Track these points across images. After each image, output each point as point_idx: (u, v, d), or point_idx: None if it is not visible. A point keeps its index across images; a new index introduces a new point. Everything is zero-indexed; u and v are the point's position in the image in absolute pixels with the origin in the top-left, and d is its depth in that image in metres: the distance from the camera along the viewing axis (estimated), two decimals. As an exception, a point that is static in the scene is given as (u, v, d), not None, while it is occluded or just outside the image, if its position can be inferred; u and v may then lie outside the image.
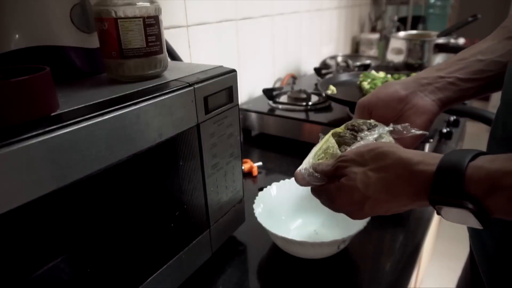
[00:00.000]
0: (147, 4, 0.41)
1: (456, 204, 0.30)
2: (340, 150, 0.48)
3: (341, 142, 0.49)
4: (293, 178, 0.66)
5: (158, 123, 0.40)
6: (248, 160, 0.86)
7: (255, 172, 0.84)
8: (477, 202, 0.29)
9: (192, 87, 0.44)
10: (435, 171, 0.32)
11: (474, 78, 0.46)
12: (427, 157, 0.34)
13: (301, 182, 0.46)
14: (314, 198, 0.65)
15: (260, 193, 0.63)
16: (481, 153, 0.32)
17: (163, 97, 0.40)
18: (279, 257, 0.58)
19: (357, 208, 0.39)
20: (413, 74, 1.02)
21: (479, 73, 0.45)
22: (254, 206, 0.59)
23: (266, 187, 0.65)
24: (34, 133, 0.29)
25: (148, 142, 0.39)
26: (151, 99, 0.39)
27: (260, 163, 0.86)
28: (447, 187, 0.31)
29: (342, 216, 0.60)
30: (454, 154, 0.32)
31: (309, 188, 0.67)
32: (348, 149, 0.43)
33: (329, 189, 0.42)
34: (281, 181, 0.67)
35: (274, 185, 0.66)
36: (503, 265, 0.43)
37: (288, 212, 0.64)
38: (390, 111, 0.49)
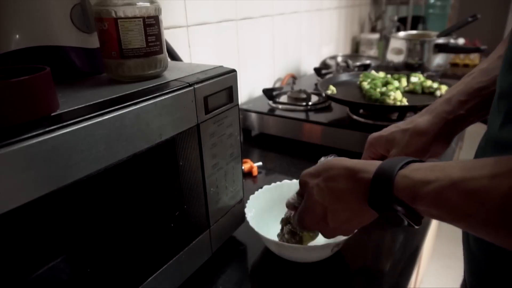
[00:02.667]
0: (147, 4, 0.41)
1: (389, 208, 0.35)
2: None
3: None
4: (285, 181, 0.68)
5: (158, 123, 0.40)
6: (248, 160, 0.86)
7: (255, 172, 0.84)
8: (405, 206, 0.34)
9: (192, 87, 0.44)
10: (371, 179, 0.36)
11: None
12: (368, 165, 0.38)
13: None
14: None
15: (251, 197, 0.63)
16: (412, 161, 0.36)
17: (163, 97, 0.40)
18: (278, 258, 0.58)
19: (322, 223, 0.42)
20: (414, 75, 1.02)
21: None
22: (246, 210, 0.59)
23: (257, 190, 0.65)
24: (34, 133, 0.29)
25: (148, 142, 0.39)
26: (151, 99, 0.39)
27: (260, 163, 0.86)
28: (380, 193, 0.35)
29: None
30: (388, 162, 0.36)
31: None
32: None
33: (299, 210, 0.45)
34: (273, 184, 0.66)
35: (266, 188, 0.66)
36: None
37: (281, 214, 0.63)
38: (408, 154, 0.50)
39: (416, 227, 0.35)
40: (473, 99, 0.47)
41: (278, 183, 0.67)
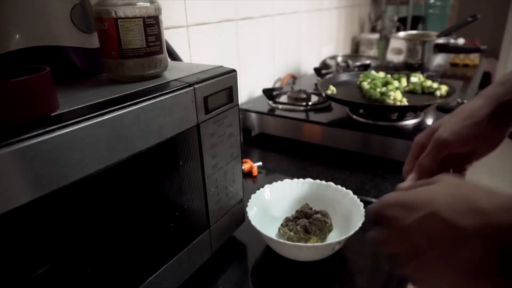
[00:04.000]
0: (147, 4, 0.41)
1: None
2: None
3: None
4: (286, 180, 0.68)
5: (158, 123, 0.40)
6: (248, 160, 0.86)
7: (255, 172, 0.84)
8: None
9: (192, 87, 0.44)
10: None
11: None
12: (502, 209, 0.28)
13: None
14: (307, 198, 0.66)
15: (253, 196, 0.63)
16: None
17: (163, 97, 0.40)
18: (278, 257, 0.58)
19: (417, 264, 0.32)
20: (414, 75, 1.02)
21: None
22: (247, 209, 0.60)
23: (258, 189, 0.65)
24: (34, 133, 0.29)
25: (148, 142, 0.39)
26: (151, 99, 0.39)
27: (260, 163, 0.86)
28: None
29: (337, 217, 0.61)
30: None
31: (304, 189, 0.68)
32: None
33: (384, 236, 0.35)
34: (274, 183, 0.67)
35: (267, 187, 0.66)
36: None
37: (282, 213, 0.64)
38: (469, 147, 0.46)
39: None
40: None
41: (279, 182, 0.67)
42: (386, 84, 0.98)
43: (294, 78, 1.33)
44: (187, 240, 0.49)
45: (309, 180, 0.68)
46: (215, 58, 0.98)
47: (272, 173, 0.85)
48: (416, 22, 1.96)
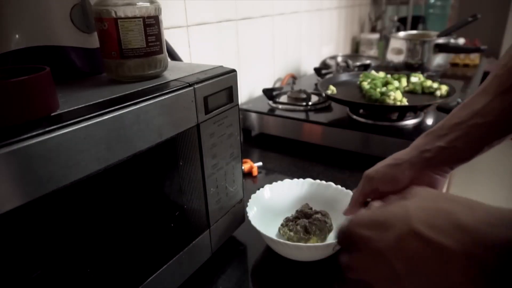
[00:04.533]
0: (147, 4, 0.41)
1: None
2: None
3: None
4: (286, 180, 0.68)
5: (158, 123, 0.40)
6: (248, 160, 0.86)
7: (255, 172, 0.84)
8: None
9: (192, 87, 0.44)
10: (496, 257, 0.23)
11: (475, 146, 0.45)
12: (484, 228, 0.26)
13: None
14: (307, 198, 0.66)
15: (253, 196, 0.63)
16: None
17: (163, 97, 0.40)
18: (278, 258, 0.58)
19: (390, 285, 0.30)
20: (414, 75, 1.02)
21: (480, 141, 0.44)
22: (248, 209, 0.60)
23: (259, 189, 0.65)
24: (34, 133, 0.29)
25: (148, 142, 0.39)
26: (151, 99, 0.39)
27: (260, 163, 0.86)
28: None
29: (336, 216, 0.61)
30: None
31: (304, 189, 0.68)
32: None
33: (349, 260, 0.34)
34: (274, 183, 0.67)
35: (267, 187, 0.66)
36: None
37: (282, 213, 0.63)
38: (390, 187, 0.49)
39: None
40: (451, 133, 0.45)
41: (279, 182, 0.67)
42: (386, 84, 0.98)
43: (294, 78, 1.33)
44: (187, 240, 0.49)
45: (309, 180, 0.68)
46: (215, 58, 0.98)
47: (272, 173, 0.85)
48: (416, 22, 1.97)
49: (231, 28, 1.02)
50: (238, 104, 0.54)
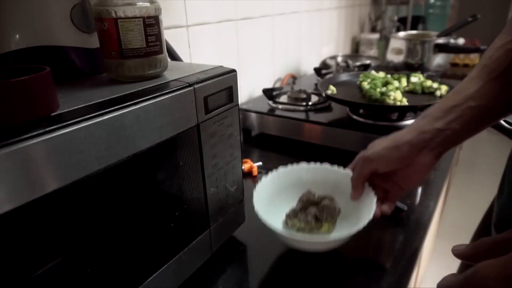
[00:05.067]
0: (147, 4, 0.41)
1: None
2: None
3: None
4: (280, 169, 0.64)
5: (158, 123, 0.40)
6: (248, 160, 0.86)
7: (255, 172, 0.84)
8: None
9: (192, 87, 0.44)
10: None
11: (470, 127, 0.48)
12: None
13: None
14: (308, 183, 0.64)
15: (254, 193, 0.59)
16: None
17: (163, 97, 0.40)
18: (279, 257, 0.58)
19: None
20: (414, 75, 1.02)
21: (474, 122, 0.48)
22: (256, 208, 0.56)
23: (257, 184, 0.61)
24: (34, 133, 0.29)
25: (148, 142, 0.39)
26: (151, 99, 0.39)
27: (260, 163, 0.86)
28: None
29: (340, 198, 0.60)
30: None
31: (303, 175, 0.65)
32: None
33: None
34: (269, 174, 0.63)
35: (264, 180, 0.62)
36: None
37: (284, 204, 0.61)
38: (390, 168, 0.53)
39: None
40: (447, 115, 0.49)
41: (273, 172, 0.64)
42: (386, 84, 0.98)
43: (294, 78, 1.33)
44: (187, 240, 0.49)
45: (303, 165, 0.65)
46: (215, 58, 0.98)
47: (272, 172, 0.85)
48: (416, 22, 1.97)
49: (231, 28, 1.02)
50: (238, 104, 0.54)
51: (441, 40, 1.34)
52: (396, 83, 0.98)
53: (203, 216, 0.51)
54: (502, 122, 0.76)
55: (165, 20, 0.78)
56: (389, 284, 0.52)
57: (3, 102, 0.28)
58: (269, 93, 1.04)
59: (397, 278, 0.53)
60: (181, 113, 0.43)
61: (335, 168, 0.64)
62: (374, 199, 0.55)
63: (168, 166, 0.44)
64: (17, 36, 0.41)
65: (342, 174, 0.62)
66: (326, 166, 0.65)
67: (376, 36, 1.84)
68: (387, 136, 0.55)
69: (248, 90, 1.16)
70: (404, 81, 1.02)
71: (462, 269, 0.65)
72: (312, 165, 0.65)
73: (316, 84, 1.21)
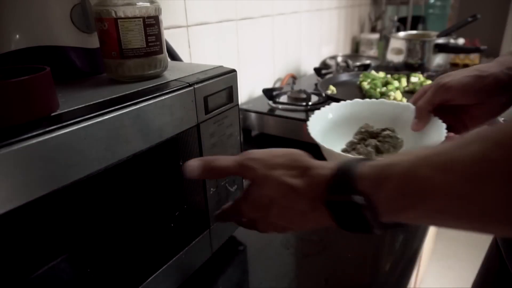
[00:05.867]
0: (147, 4, 0.41)
1: (348, 205, 0.30)
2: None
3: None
4: (333, 104, 0.59)
5: (158, 123, 0.40)
6: (248, 160, 0.86)
7: (255, 172, 0.84)
8: (366, 198, 0.29)
9: (192, 87, 0.44)
10: (331, 174, 0.32)
11: None
12: (326, 163, 0.34)
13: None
14: (365, 118, 0.58)
15: (316, 112, 0.57)
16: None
17: (163, 97, 0.40)
18: (278, 256, 0.58)
19: (262, 214, 0.37)
20: (414, 75, 1.02)
21: None
22: (309, 129, 0.54)
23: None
24: (34, 133, 0.29)
25: (148, 142, 0.39)
26: (151, 99, 0.39)
27: (260, 163, 0.86)
28: (340, 186, 0.30)
29: (399, 132, 0.54)
30: (348, 160, 0.32)
31: (356, 109, 0.59)
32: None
33: (241, 197, 0.38)
34: (332, 104, 0.59)
35: (323, 109, 0.58)
36: None
37: (341, 138, 0.57)
38: (467, 100, 0.47)
39: (370, 232, 0.30)
40: None
41: (348, 101, 0.59)
42: (386, 84, 0.98)
43: (294, 78, 1.33)
44: (187, 240, 0.49)
45: (360, 100, 0.60)
46: (215, 58, 0.98)
47: (272, 173, 0.85)
48: (416, 22, 1.97)
49: (231, 28, 1.02)
50: (238, 104, 0.54)
51: (441, 40, 1.34)
52: (396, 83, 0.98)
53: (203, 216, 0.51)
54: (501, 122, 0.76)
55: (165, 20, 0.78)
56: (389, 284, 0.52)
57: (3, 102, 0.28)
58: (269, 93, 1.04)
59: (397, 278, 0.53)
60: (181, 113, 0.43)
61: (394, 101, 0.58)
62: (443, 128, 0.48)
63: (169, 166, 0.44)
64: (17, 36, 0.41)
65: (403, 107, 0.56)
66: (383, 100, 0.60)
67: (376, 36, 1.84)
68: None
69: (248, 90, 1.16)
70: (404, 81, 1.02)
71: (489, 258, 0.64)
72: (368, 99, 0.60)
73: (316, 84, 1.21)
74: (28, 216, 0.31)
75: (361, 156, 0.35)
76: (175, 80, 0.45)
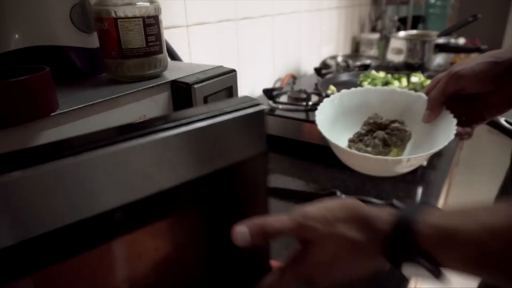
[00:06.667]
0: (147, 4, 0.41)
1: (409, 260, 0.32)
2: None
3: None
4: (343, 91, 0.57)
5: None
6: (248, 160, 0.86)
7: (255, 172, 0.84)
8: (429, 258, 0.30)
9: (192, 87, 0.44)
10: (390, 229, 0.32)
11: None
12: (382, 212, 0.34)
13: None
14: (373, 108, 0.56)
15: (325, 100, 0.56)
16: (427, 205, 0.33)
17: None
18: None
19: (325, 272, 0.36)
20: (414, 75, 1.02)
21: None
22: (317, 113, 0.52)
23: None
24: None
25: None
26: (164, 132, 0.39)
27: (260, 163, 0.86)
28: (401, 244, 0.32)
29: (410, 124, 0.52)
30: (405, 209, 0.33)
31: (363, 99, 0.57)
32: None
33: (306, 265, 0.36)
34: (352, 89, 0.58)
35: (332, 96, 0.57)
36: None
37: (348, 128, 0.56)
38: (481, 88, 0.46)
39: (438, 280, 0.32)
40: None
41: (351, 90, 0.58)
42: (386, 84, 0.98)
43: (294, 78, 1.33)
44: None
45: (370, 87, 0.59)
46: (215, 58, 0.98)
47: (272, 173, 0.85)
48: (416, 22, 1.97)
49: (231, 28, 1.02)
50: (238, 104, 0.54)
51: (441, 40, 1.34)
52: (396, 83, 0.98)
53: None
54: (502, 122, 0.76)
55: (165, 20, 0.78)
56: (389, 284, 0.52)
57: (3, 102, 0.28)
58: (269, 93, 1.04)
59: (397, 279, 0.53)
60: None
61: (406, 90, 0.56)
62: (454, 123, 0.47)
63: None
64: (17, 36, 0.41)
65: (414, 97, 0.54)
66: (395, 88, 0.58)
67: (376, 36, 1.84)
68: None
69: (248, 90, 1.16)
70: (404, 81, 1.02)
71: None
72: (379, 87, 0.59)
73: (316, 84, 1.21)
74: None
75: (415, 204, 0.38)
76: (175, 80, 0.45)
